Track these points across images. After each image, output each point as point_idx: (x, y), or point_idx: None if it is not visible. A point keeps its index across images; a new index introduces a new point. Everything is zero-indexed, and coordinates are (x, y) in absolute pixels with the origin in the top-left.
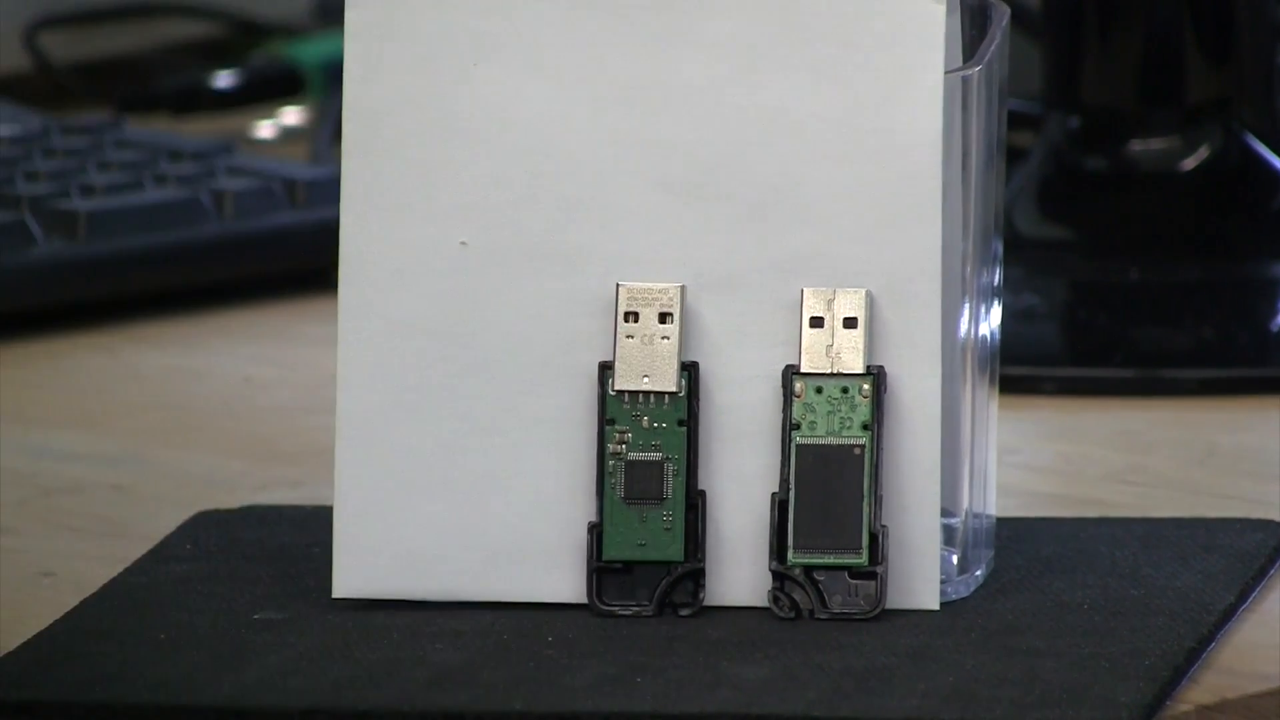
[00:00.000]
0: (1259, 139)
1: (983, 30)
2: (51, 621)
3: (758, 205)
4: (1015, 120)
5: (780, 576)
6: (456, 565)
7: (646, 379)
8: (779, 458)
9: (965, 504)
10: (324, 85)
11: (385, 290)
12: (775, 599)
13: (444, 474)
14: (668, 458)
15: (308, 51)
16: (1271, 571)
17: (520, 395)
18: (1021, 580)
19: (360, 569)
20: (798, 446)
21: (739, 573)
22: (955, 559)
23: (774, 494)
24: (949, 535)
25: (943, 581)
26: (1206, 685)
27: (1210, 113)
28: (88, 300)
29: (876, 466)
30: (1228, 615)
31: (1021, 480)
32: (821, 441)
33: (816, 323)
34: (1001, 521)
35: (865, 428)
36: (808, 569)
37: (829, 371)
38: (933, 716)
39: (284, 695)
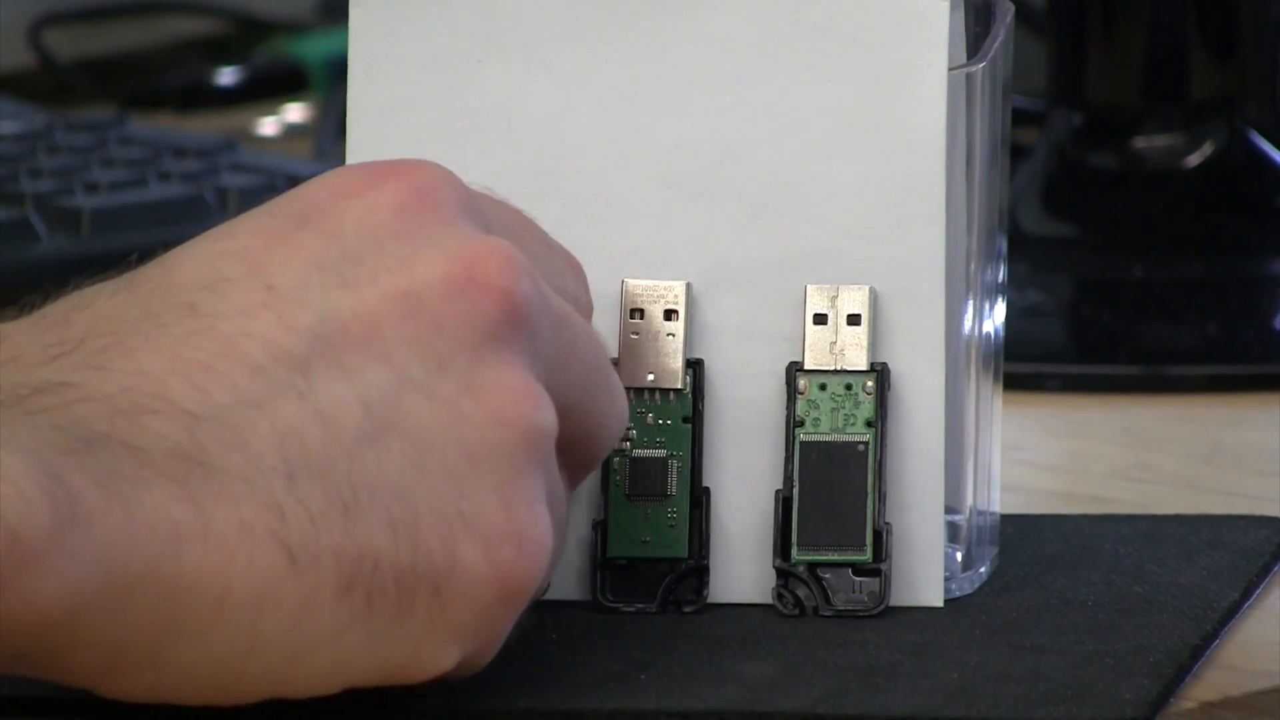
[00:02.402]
0: (1263, 136)
1: (986, 27)
2: None
3: (762, 202)
4: (1019, 117)
5: (784, 573)
6: None
7: (651, 376)
8: (783, 454)
9: (969, 501)
10: (328, 82)
11: None
12: (779, 596)
13: None
14: (672, 455)
15: (311, 48)
16: (1276, 568)
17: None
18: (1025, 577)
19: None
20: (802, 443)
21: (743, 570)
22: (959, 556)
23: (778, 491)
24: (953, 532)
25: (947, 578)
26: (1210, 682)
27: (1214, 109)
28: None
29: (880, 463)
30: (1232, 612)
31: (1025, 477)
32: (825, 438)
33: (820, 319)
34: (1005, 518)
35: (869, 424)
36: (812, 566)
37: (833, 368)
38: (937, 713)
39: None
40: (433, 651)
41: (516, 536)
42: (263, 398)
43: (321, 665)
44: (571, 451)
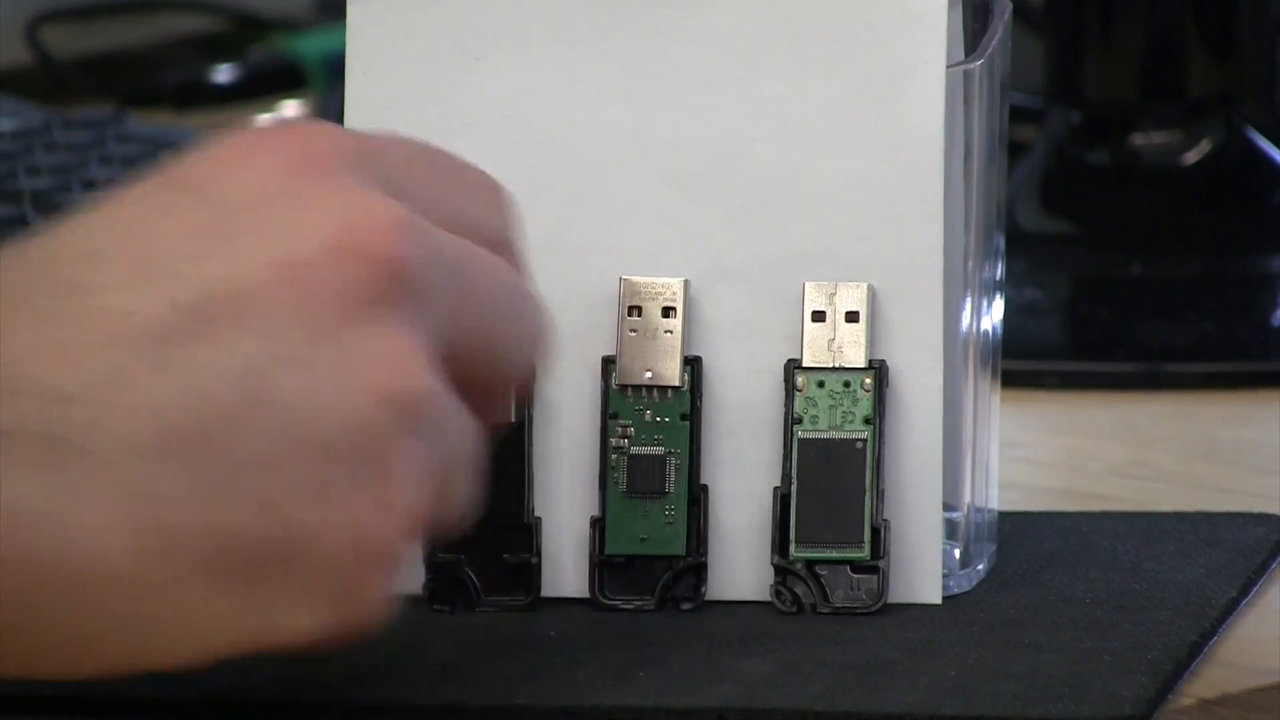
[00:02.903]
0: (1261, 133)
1: (984, 24)
2: None
3: (760, 200)
4: (1017, 114)
5: (782, 571)
6: None
7: (649, 373)
8: (781, 452)
9: (967, 498)
10: (325, 79)
11: None
12: (777, 593)
13: None
14: (670, 452)
15: (309, 46)
16: (1273, 566)
17: None
18: (1023, 574)
19: None
20: (800, 441)
21: (741, 567)
22: (957, 553)
23: (776, 488)
24: (951, 529)
25: (945, 575)
26: (1208, 679)
27: (1212, 107)
28: None
29: (878, 461)
30: (1229, 609)
31: (1023, 474)
32: (824, 436)
33: (818, 317)
34: (1003, 515)
35: (867, 422)
36: (810, 563)
37: (831, 366)
38: (935, 710)
39: (286, 690)
40: (296, 619)
41: (379, 506)
42: (133, 375)
43: (189, 639)
44: (487, 388)
